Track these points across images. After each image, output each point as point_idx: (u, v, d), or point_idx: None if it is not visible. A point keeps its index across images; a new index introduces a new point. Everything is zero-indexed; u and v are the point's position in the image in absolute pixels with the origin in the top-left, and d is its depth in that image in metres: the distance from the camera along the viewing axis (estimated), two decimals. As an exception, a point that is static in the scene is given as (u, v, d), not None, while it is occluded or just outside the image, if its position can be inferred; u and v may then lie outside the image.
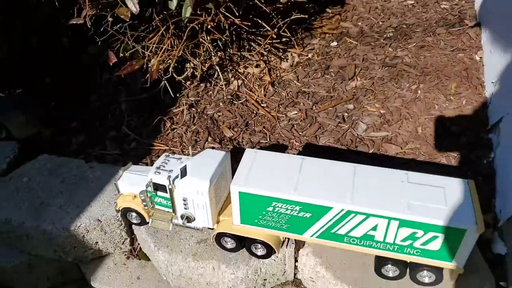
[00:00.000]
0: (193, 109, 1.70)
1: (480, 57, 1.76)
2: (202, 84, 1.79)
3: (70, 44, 1.63)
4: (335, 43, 2.00)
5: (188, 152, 1.22)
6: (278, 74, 1.83)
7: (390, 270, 1.07)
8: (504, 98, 1.39)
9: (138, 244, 1.37)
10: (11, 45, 1.56)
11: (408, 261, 1.05)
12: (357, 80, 1.76)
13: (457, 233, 0.93)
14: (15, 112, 1.48)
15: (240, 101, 1.71)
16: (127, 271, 1.35)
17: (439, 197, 0.97)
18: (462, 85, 1.66)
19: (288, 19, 1.79)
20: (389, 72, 1.77)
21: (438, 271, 1.04)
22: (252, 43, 1.84)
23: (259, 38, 1.81)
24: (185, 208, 1.12)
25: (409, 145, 1.46)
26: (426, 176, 1.04)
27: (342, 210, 0.98)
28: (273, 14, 1.77)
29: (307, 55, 1.93)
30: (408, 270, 1.06)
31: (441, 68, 1.75)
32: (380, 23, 2.13)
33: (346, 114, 1.62)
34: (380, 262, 1.06)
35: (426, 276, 1.05)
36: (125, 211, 1.21)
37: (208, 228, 1.18)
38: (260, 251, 1.13)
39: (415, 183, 1.02)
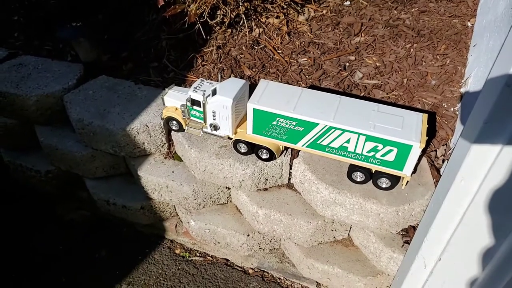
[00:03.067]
0: (220, 50, 2.05)
1: (472, 24, 2.02)
2: (229, 30, 2.12)
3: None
4: (348, 2, 2.27)
5: (217, 79, 1.60)
6: (295, 26, 2.14)
7: (358, 176, 1.46)
8: (476, 59, 1.69)
9: (174, 148, 1.80)
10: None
11: (373, 170, 1.44)
12: (361, 36, 2.06)
13: (405, 147, 1.30)
14: (82, 39, 1.86)
15: (259, 47, 2.05)
16: (164, 166, 1.79)
17: (398, 122, 1.34)
18: (450, 47, 1.94)
19: (308, -23, 2.07)
20: (390, 32, 2.06)
21: (393, 178, 1.42)
22: (275, -4, 2.13)
23: (281, -8, 2.10)
24: (213, 119, 1.52)
25: (393, 92, 1.79)
26: (392, 108, 1.39)
27: (326, 126, 1.36)
28: (296, -29, 2.04)
29: (322, 11, 2.22)
30: (371, 177, 1.46)
31: (436, 32, 2.02)
32: (392, -14, 2.36)
33: (347, 64, 1.94)
34: (351, 169, 1.46)
35: (384, 182, 1.44)
36: (168, 119, 1.62)
37: (228, 138, 1.59)
38: (265, 155, 1.54)
39: (383, 112, 1.38)
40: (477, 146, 0.95)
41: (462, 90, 1.74)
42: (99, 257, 2.05)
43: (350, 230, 1.68)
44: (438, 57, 1.91)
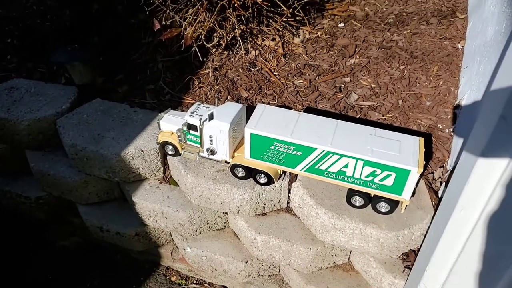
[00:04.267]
0: (217, 72, 2.06)
1: (462, 46, 2.06)
2: (225, 52, 2.13)
3: (122, 11, 1.98)
4: (342, 25, 2.31)
5: (214, 103, 1.59)
6: (290, 48, 2.16)
7: (357, 200, 1.45)
8: (468, 82, 1.71)
9: (169, 172, 1.77)
10: (75, 10, 1.91)
11: (372, 195, 1.42)
12: (355, 58, 2.08)
13: (404, 172, 1.30)
14: (77, 62, 1.85)
15: (256, 69, 2.06)
16: (159, 191, 1.76)
17: (395, 147, 1.33)
18: (443, 69, 1.97)
19: (302, 1, 2.10)
20: (383, 53, 2.09)
21: (392, 203, 1.41)
22: (270, 20, 2.16)
23: (276, 16, 2.13)
24: (210, 143, 1.50)
25: (389, 114, 1.80)
26: (389, 133, 1.39)
27: (324, 150, 1.35)
28: (290, -5, 2.07)
29: (316, 33, 2.25)
30: (370, 201, 1.44)
31: (428, 53, 2.06)
32: (384, 9, 2.42)
33: (342, 85, 1.95)
34: (350, 193, 1.44)
35: (383, 207, 1.43)
36: (164, 144, 1.60)
37: (226, 162, 1.57)
38: (263, 179, 1.52)
39: (380, 136, 1.37)
40: (475, 178, 0.94)
41: (456, 111, 1.76)
42: (91, 285, 1.98)
43: (350, 255, 1.65)
44: (431, 78, 1.93)
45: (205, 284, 1.99)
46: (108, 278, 2.01)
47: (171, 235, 1.95)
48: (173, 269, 2.06)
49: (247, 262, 1.74)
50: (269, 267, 1.81)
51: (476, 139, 0.97)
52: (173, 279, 2.01)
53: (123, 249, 2.05)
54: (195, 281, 2.00)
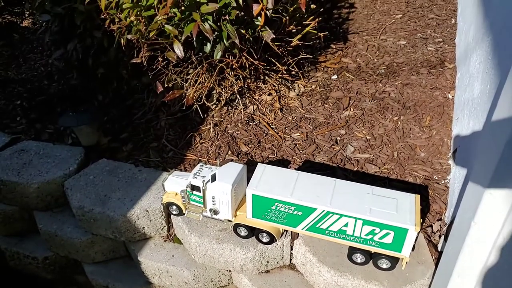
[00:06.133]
0: (217, 127, 2.14)
1: (452, 96, 2.15)
2: (225, 108, 2.23)
3: (127, 76, 2.10)
4: (335, 77, 2.42)
5: (215, 163, 1.66)
6: (286, 102, 2.26)
7: (358, 257, 1.47)
8: (459, 133, 1.79)
9: (173, 231, 1.81)
10: (81, 73, 2.04)
11: (372, 252, 1.45)
12: (350, 110, 2.18)
13: (402, 231, 1.34)
14: (84, 126, 1.94)
15: (254, 123, 2.15)
16: (164, 250, 1.78)
17: (392, 205, 1.38)
18: (435, 119, 2.06)
19: (296, 58, 2.23)
20: (377, 105, 2.18)
21: (393, 260, 1.44)
22: (266, 76, 2.28)
23: (272, 72, 2.25)
24: (213, 204, 1.56)
25: (385, 166, 1.86)
26: (385, 191, 1.45)
27: (324, 211, 1.40)
28: (285, 53, 2.21)
29: (311, 86, 2.36)
30: (371, 258, 1.47)
31: (420, 104, 2.15)
32: (375, 60, 2.55)
33: (338, 138, 2.03)
34: (351, 251, 1.47)
35: (384, 263, 1.45)
36: (168, 205, 1.65)
37: (228, 220, 1.61)
38: (265, 238, 1.55)
39: (377, 195, 1.43)
40: (468, 247, 0.98)
41: (450, 162, 1.82)
42: None
43: (354, 311, 1.65)
44: (424, 129, 2.01)
45: None
46: (112, 337, 1.98)
47: (176, 292, 1.95)
48: (178, 326, 2.04)
49: (252, 319, 1.73)
50: (275, 324, 1.80)
51: (466, 208, 1.02)
52: (178, 337, 1.99)
53: (128, 307, 2.04)
54: None
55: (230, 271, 1.76)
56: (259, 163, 1.58)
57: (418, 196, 1.42)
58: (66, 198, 1.85)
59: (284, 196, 1.43)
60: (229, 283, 1.81)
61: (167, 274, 1.75)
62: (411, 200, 1.41)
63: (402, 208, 1.38)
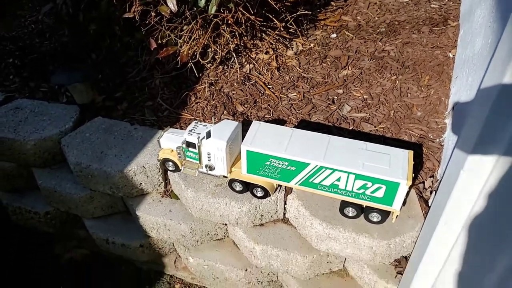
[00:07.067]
0: (213, 87, 2.12)
1: (453, 55, 2.11)
2: (220, 67, 2.19)
3: (120, 32, 2.04)
4: (334, 35, 2.37)
5: (211, 120, 1.66)
6: (284, 61, 2.22)
7: (350, 211, 1.51)
8: (457, 92, 1.77)
9: (170, 187, 1.84)
10: (73, 31, 1.98)
11: (364, 206, 1.49)
12: (348, 69, 2.14)
13: (393, 185, 1.36)
14: (77, 83, 1.92)
15: (250, 82, 2.12)
16: (162, 205, 1.83)
17: (385, 160, 1.40)
18: (434, 79, 2.03)
19: (295, 14, 2.16)
20: (375, 64, 2.15)
21: (383, 213, 1.47)
22: (263, 34, 2.22)
23: (269, 29, 2.19)
24: (209, 160, 1.57)
25: (381, 125, 1.86)
26: (379, 146, 1.46)
27: (317, 165, 1.41)
28: (283, 9, 2.14)
29: (309, 45, 2.31)
30: (362, 212, 1.51)
31: (419, 63, 2.12)
32: (376, 18, 2.47)
33: (335, 97, 2.01)
34: (343, 205, 1.51)
35: (375, 217, 1.49)
36: (164, 161, 1.67)
37: (224, 176, 1.63)
38: (259, 193, 1.58)
39: (371, 150, 1.44)
40: (457, 193, 1.01)
41: (446, 121, 1.82)
42: (98, 296, 2.06)
43: (345, 262, 1.72)
44: (422, 88, 1.99)
45: (208, 292, 2.07)
46: (115, 287, 2.08)
47: (174, 246, 2.03)
48: (176, 277, 2.13)
49: (246, 270, 1.81)
50: (268, 274, 1.88)
51: (465, 141, 1.02)
52: (177, 286, 2.09)
53: (128, 260, 2.13)
54: (198, 289, 2.08)
55: (225, 224, 1.82)
56: (254, 121, 1.58)
57: (411, 152, 1.43)
58: (63, 155, 1.86)
59: (278, 152, 1.45)
60: (225, 236, 1.87)
61: (164, 228, 1.81)
62: (404, 156, 1.42)
63: (394, 163, 1.39)
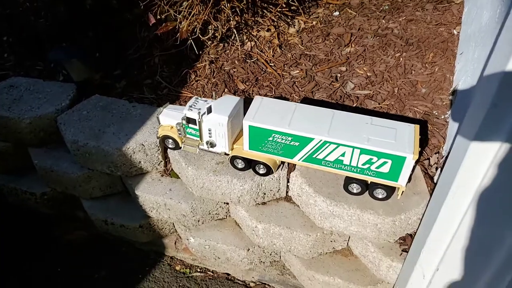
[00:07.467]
0: (213, 64, 2.07)
1: (458, 32, 2.07)
2: (221, 44, 2.14)
3: (117, 6, 1.98)
4: (337, 13, 2.31)
5: (212, 96, 1.61)
6: (286, 38, 2.17)
7: (354, 187, 1.48)
8: (463, 68, 1.73)
9: (170, 165, 1.80)
10: (69, 6, 1.91)
11: (369, 182, 1.46)
12: (351, 46, 2.09)
13: (399, 159, 1.33)
14: (74, 59, 1.86)
15: (252, 60, 2.07)
16: (161, 184, 1.79)
17: (391, 135, 1.36)
18: (438, 55, 1.99)
19: (297, -10, 2.10)
20: (379, 41, 2.10)
21: (388, 189, 1.45)
22: (265, 10, 2.16)
23: (271, 6, 2.13)
24: (210, 136, 1.53)
25: (385, 102, 1.82)
26: (385, 121, 1.42)
27: (321, 140, 1.38)
28: (285, -15, 2.08)
29: (311, 23, 2.25)
30: (367, 188, 1.48)
31: (423, 40, 2.07)
32: (379, -4, 2.41)
33: (339, 75, 1.97)
34: (347, 181, 1.48)
35: (380, 193, 1.47)
36: (164, 138, 1.62)
37: (225, 154, 1.60)
38: (262, 170, 1.55)
39: (376, 125, 1.40)
40: (468, 162, 0.97)
41: (452, 97, 1.78)
42: (99, 277, 2.04)
43: (349, 240, 1.70)
44: (426, 65, 1.95)
45: (209, 272, 2.05)
46: (114, 269, 2.06)
47: (174, 226, 2.00)
48: (177, 258, 2.11)
49: (248, 249, 1.79)
50: (270, 254, 1.86)
51: (469, 125, 1.00)
52: (177, 268, 2.07)
53: (128, 241, 2.10)
54: (199, 270, 2.06)
55: (227, 203, 1.79)
56: (256, 96, 1.54)
57: (417, 126, 1.40)
58: (59, 135, 1.82)
59: (281, 127, 1.41)
60: (226, 216, 1.84)
61: (165, 207, 1.78)
62: (410, 130, 1.38)
63: (401, 137, 1.36)
